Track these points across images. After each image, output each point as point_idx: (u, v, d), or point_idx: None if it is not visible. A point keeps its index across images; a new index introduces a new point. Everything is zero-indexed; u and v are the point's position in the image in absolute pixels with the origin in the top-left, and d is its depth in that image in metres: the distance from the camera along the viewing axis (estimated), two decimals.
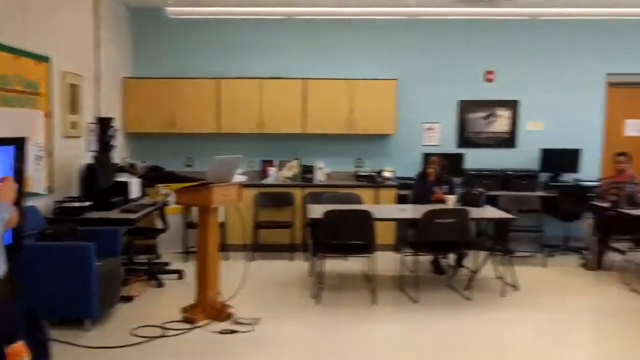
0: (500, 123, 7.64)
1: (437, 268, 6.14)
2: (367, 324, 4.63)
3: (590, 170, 7.38)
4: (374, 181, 7.11)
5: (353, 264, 6.13)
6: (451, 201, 5.78)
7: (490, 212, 5.72)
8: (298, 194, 6.99)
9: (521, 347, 4.23)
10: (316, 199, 6.46)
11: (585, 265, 6.33)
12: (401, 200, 6.75)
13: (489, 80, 7.61)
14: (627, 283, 5.61)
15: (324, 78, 7.22)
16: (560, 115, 7.55)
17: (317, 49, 7.52)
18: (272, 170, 7.27)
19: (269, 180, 7.19)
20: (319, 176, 7.18)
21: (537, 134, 7.57)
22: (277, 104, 7.18)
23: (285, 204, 6.97)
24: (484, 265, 5.69)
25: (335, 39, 7.49)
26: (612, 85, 7.64)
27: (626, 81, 7.64)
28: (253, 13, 6.66)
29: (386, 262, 6.06)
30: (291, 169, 7.26)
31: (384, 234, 6.24)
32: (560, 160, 7.37)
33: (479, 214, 5.54)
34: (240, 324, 4.48)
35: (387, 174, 7.24)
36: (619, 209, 5.76)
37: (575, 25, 7.07)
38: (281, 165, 7.32)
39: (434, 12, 6.25)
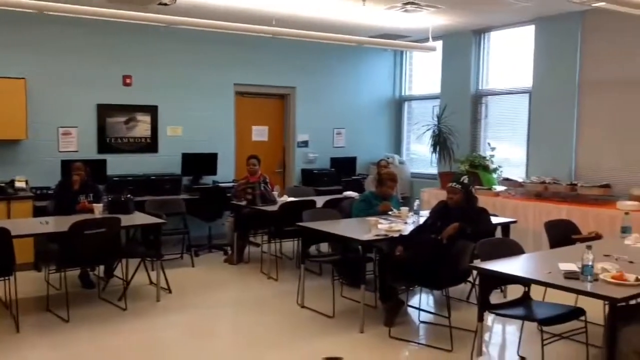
0: (141, 128, 7.68)
1: (86, 282, 5.83)
2: (11, 356, 4.11)
3: (226, 173, 8.06)
4: (4, 193, 6.27)
5: None
6: (98, 210, 5.55)
7: (140, 217, 5.73)
8: None
9: (179, 347, 4.37)
10: None
11: (228, 260, 6.90)
12: (38, 212, 6.15)
13: (128, 85, 7.56)
14: (265, 272, 6.33)
15: None
16: (198, 121, 8.02)
17: None
18: None
19: None
20: None
21: (177, 138, 7.87)
22: None
23: None
24: (136, 272, 5.65)
25: None
26: (239, 94, 8.50)
27: (251, 91, 8.62)
28: None
29: (26, 283, 5.46)
30: None
31: (21, 251, 5.56)
32: (199, 163, 7.84)
33: (130, 221, 5.48)
34: None
35: (19, 184, 6.48)
36: (255, 206, 6.47)
37: (208, 35, 7.49)
38: None
39: (67, 9, 5.84)
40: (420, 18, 7.30)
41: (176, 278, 5.94)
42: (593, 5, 5.13)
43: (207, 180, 7.86)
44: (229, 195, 7.10)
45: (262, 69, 8.49)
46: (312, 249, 6.38)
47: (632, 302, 3.31)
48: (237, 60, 8.29)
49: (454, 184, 4.98)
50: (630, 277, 3.27)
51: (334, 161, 9.10)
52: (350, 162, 9.23)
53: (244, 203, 6.62)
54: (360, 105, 9.55)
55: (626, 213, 5.05)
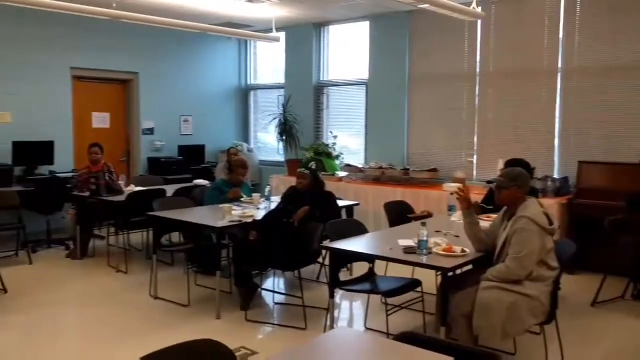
0: None
1: None
2: None
3: (64, 162, 7.56)
4: None
5: None
6: None
7: None
8: None
9: (19, 350, 4.08)
10: None
11: (71, 255, 6.52)
12: None
13: None
14: (113, 266, 6.10)
15: None
16: (30, 106, 7.41)
17: None
18: None
19: None
20: None
21: (5, 125, 7.21)
22: None
23: None
24: None
25: None
26: (77, 78, 8.00)
27: (90, 76, 8.15)
28: None
29: None
30: None
31: None
32: (33, 152, 7.26)
33: None
34: None
35: None
36: (100, 197, 6.18)
37: (40, 14, 6.84)
38: None
39: None
40: (263, 8, 7.45)
41: (12, 277, 5.51)
42: (418, 5, 5.66)
43: (43, 170, 7.31)
44: (69, 185, 6.70)
45: (102, 52, 8.07)
46: (163, 239, 6.26)
47: (459, 271, 3.79)
48: (74, 43, 7.78)
49: (303, 169, 5.24)
50: (457, 249, 3.74)
51: (182, 149, 8.95)
52: (199, 150, 9.15)
53: (87, 194, 6.29)
54: (206, 92, 9.49)
55: (451, 193, 5.65)
